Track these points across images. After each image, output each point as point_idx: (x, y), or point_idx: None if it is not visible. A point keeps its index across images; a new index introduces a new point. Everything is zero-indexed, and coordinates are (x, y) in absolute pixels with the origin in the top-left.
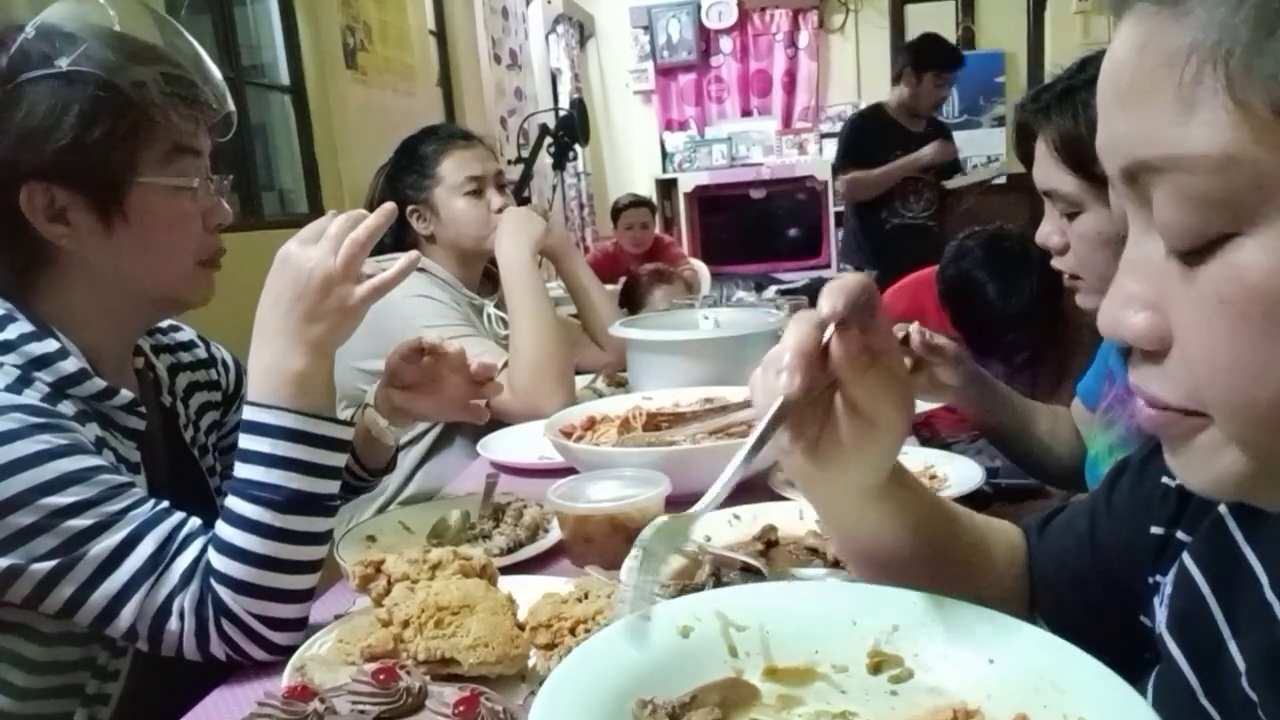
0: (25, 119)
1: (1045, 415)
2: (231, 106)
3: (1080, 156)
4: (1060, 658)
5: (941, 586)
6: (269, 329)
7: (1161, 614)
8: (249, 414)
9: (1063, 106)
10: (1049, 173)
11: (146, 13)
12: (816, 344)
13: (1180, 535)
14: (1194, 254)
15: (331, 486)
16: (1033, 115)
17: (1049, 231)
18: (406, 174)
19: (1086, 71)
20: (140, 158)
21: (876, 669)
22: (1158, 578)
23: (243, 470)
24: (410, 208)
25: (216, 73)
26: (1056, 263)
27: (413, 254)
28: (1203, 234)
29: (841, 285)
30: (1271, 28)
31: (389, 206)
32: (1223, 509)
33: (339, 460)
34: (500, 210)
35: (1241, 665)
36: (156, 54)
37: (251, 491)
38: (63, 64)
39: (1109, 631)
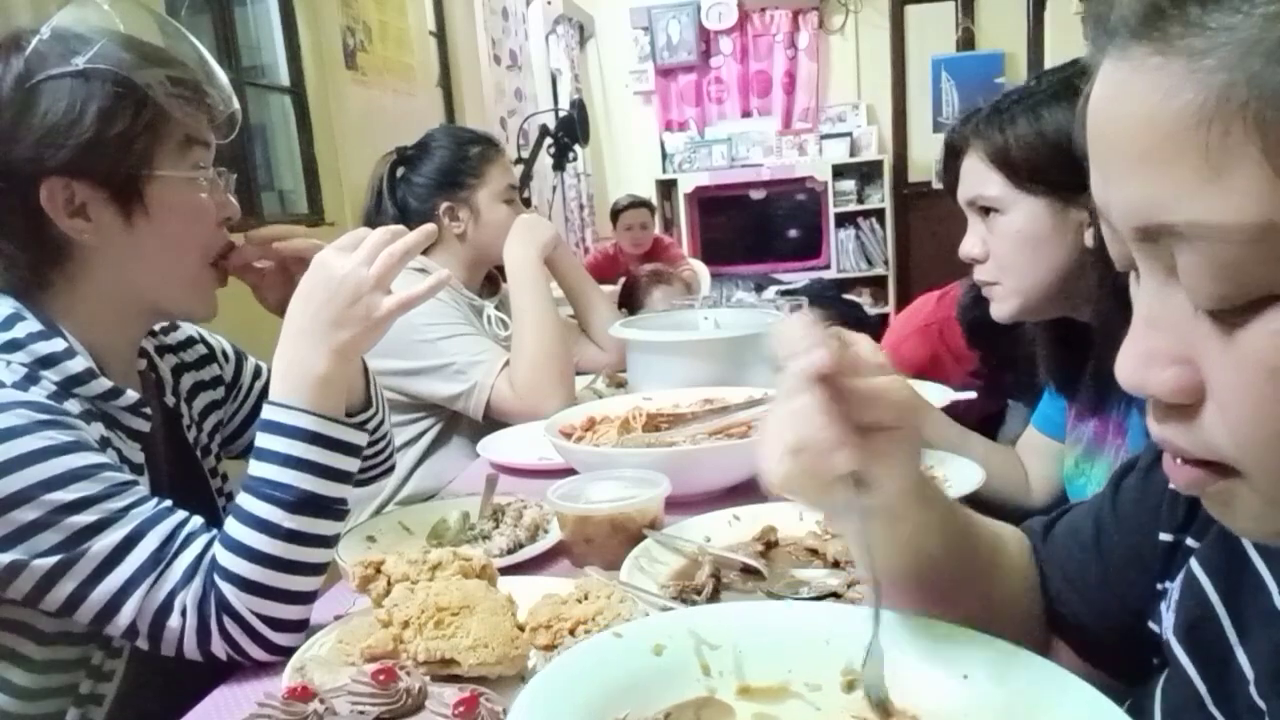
0: (45, 117)
1: (977, 444)
2: (236, 105)
3: (1007, 162)
4: (1034, 673)
5: (970, 593)
6: (296, 328)
7: (1169, 620)
8: (268, 413)
9: (990, 125)
10: (976, 181)
11: (152, 18)
12: (832, 412)
13: (1189, 541)
14: (1229, 313)
15: (343, 490)
16: (962, 137)
17: (971, 244)
18: (439, 170)
19: (1011, 96)
20: (157, 151)
21: (850, 687)
22: (1166, 584)
23: (257, 468)
24: (446, 205)
25: (222, 74)
26: (978, 273)
27: (443, 273)
28: (1240, 299)
29: (806, 335)
30: None
31: (430, 227)
32: None
33: (352, 465)
34: None
35: (1250, 673)
36: (165, 56)
37: (264, 490)
38: (79, 63)
39: (1115, 637)
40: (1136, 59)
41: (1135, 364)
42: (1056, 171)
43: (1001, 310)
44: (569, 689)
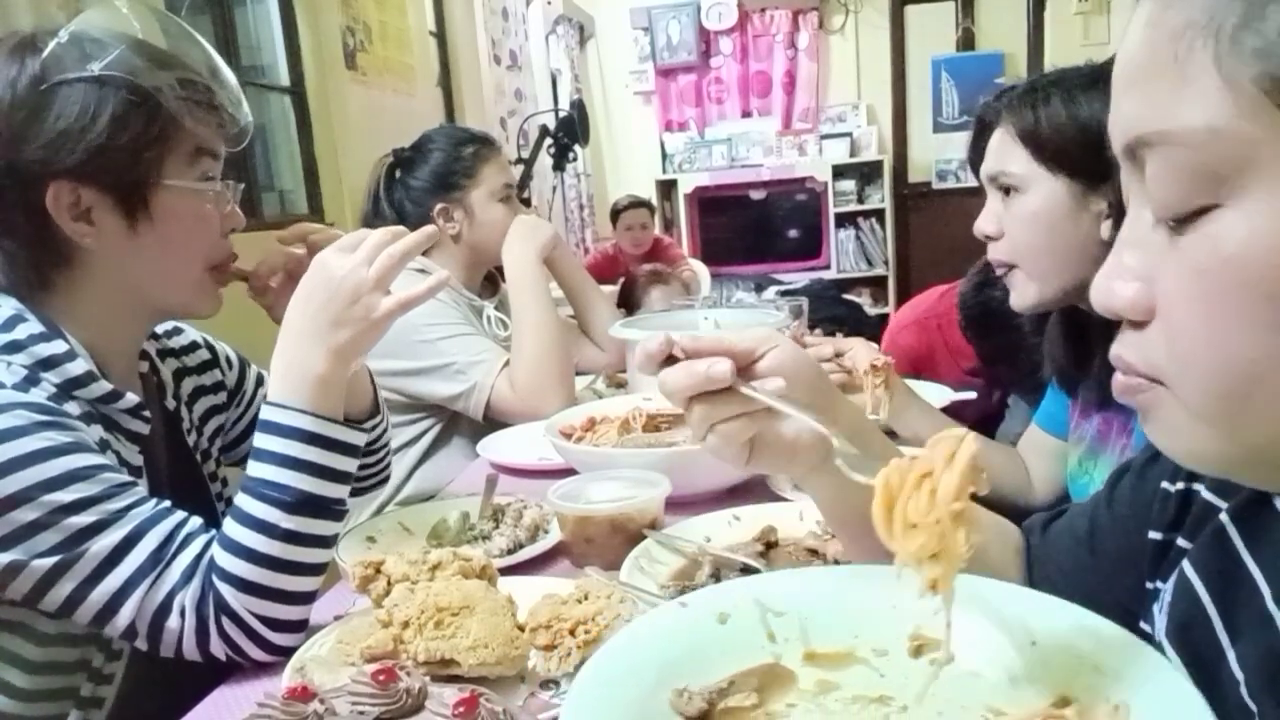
0: (58, 120)
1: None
2: (249, 118)
3: (1035, 139)
4: (1104, 639)
5: None
6: (295, 329)
7: (1161, 621)
8: (266, 413)
9: (1023, 101)
10: (1002, 156)
11: (172, 26)
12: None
13: (1181, 542)
14: (1179, 224)
15: (341, 490)
16: (994, 111)
17: (986, 221)
18: (434, 171)
19: (1048, 76)
20: (166, 160)
21: (917, 652)
22: (1157, 584)
23: (255, 469)
24: (440, 206)
25: (236, 86)
26: (991, 252)
27: (442, 274)
28: (1187, 205)
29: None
30: (1256, 9)
31: (431, 229)
32: (1224, 517)
33: (350, 465)
34: None
35: (1240, 675)
36: (181, 65)
37: (262, 490)
38: (95, 68)
39: None
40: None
41: (1103, 281)
42: (1082, 156)
43: (1022, 299)
44: (632, 658)
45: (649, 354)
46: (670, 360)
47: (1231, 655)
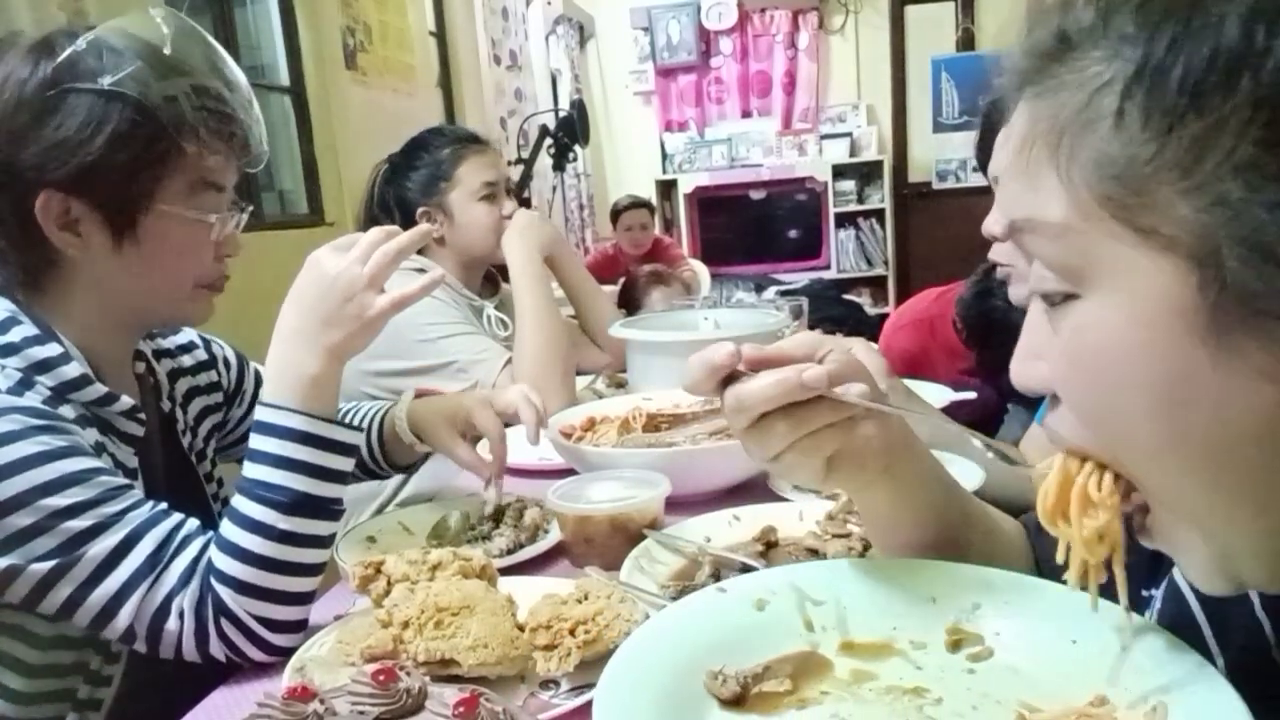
0: (58, 129)
1: (979, 443)
2: (266, 148)
3: None
4: (1144, 639)
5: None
6: (289, 328)
7: None
8: (260, 414)
9: None
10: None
11: (202, 41)
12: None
13: None
14: (1053, 309)
15: (338, 490)
16: (1000, 109)
17: (993, 220)
18: (419, 175)
19: None
20: (164, 185)
21: (955, 646)
22: (1152, 591)
23: (250, 470)
24: (421, 209)
25: (256, 108)
26: (995, 251)
27: (438, 272)
28: (1056, 291)
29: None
30: (1088, 125)
31: (425, 228)
32: None
33: (346, 465)
34: (509, 216)
35: None
36: (203, 85)
37: (258, 492)
38: (105, 82)
39: None
40: (1024, 98)
41: (1016, 364)
42: None
43: (1021, 291)
44: (668, 642)
45: (715, 366)
46: (732, 376)
47: (1221, 663)
